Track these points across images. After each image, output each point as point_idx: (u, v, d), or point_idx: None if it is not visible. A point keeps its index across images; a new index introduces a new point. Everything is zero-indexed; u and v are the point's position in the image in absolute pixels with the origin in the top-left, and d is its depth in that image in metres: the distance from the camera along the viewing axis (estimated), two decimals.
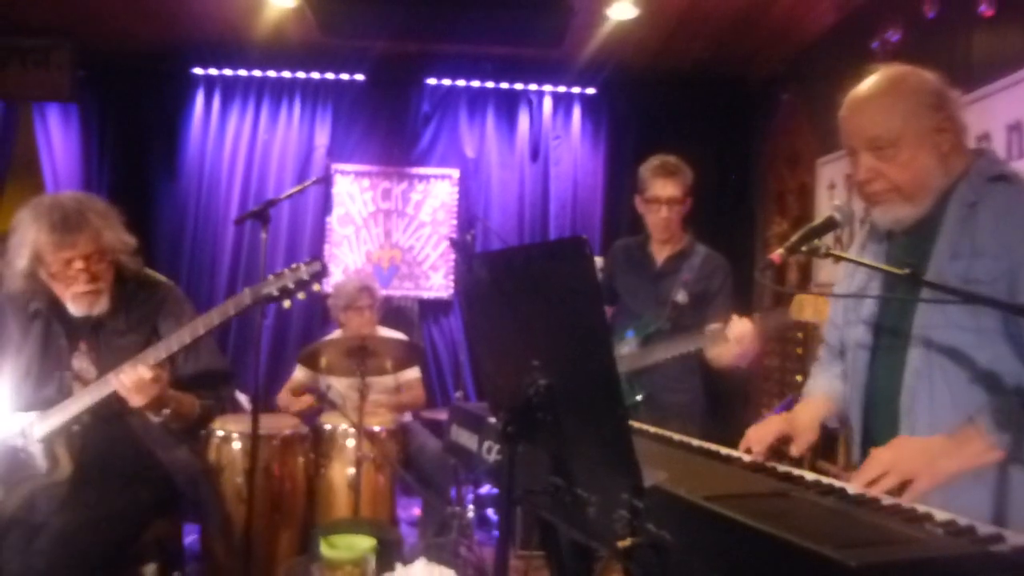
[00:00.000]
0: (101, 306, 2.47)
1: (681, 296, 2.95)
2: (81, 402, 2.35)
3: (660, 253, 3.07)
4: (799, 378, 4.61)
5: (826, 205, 4.29)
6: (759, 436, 1.72)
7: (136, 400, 2.29)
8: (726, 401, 3.41)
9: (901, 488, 1.40)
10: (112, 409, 2.40)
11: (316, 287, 2.39)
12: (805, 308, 2.63)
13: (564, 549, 2.03)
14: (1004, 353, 1.52)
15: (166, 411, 2.40)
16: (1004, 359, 1.52)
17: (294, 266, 2.34)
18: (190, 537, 3.50)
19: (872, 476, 1.42)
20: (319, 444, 3.61)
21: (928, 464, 1.42)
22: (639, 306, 2.99)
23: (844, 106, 1.69)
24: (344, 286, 4.21)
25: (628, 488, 1.27)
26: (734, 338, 2.60)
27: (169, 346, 2.34)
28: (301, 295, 2.36)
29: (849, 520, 1.15)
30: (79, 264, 2.38)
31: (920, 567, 0.95)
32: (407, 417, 4.20)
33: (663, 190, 2.97)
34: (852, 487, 1.38)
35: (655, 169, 3.01)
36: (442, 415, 4.33)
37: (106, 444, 2.42)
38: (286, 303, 2.36)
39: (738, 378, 3.15)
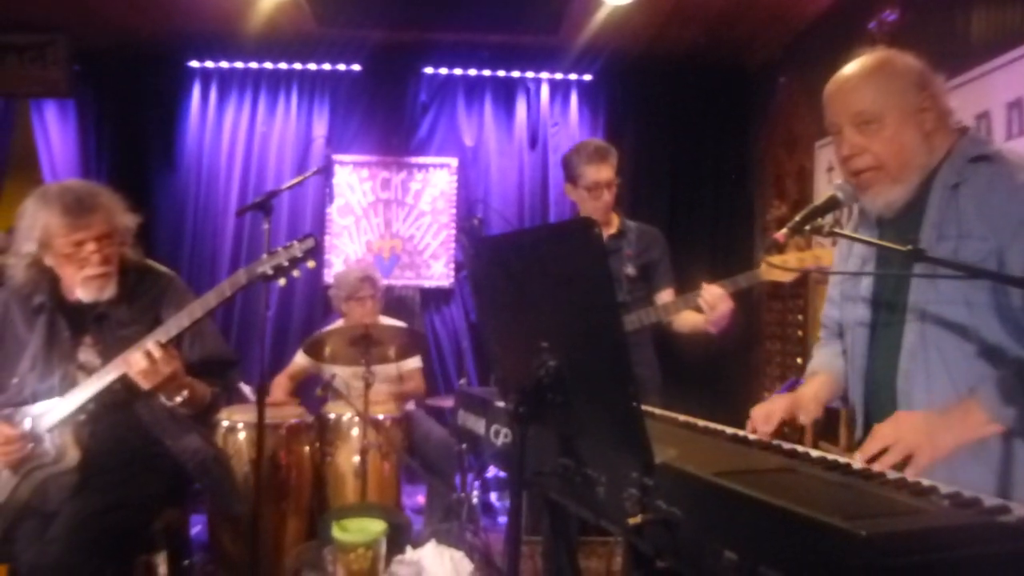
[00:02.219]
0: (109, 291, 2.46)
1: (631, 269, 3.06)
2: (87, 390, 2.36)
3: None
4: (799, 360, 4.63)
5: (825, 188, 4.30)
6: (765, 415, 1.74)
7: (147, 381, 2.27)
8: (680, 372, 3.49)
9: (903, 464, 1.42)
10: (118, 397, 2.41)
11: (310, 263, 2.39)
12: (773, 271, 2.70)
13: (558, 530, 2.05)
14: (996, 328, 1.54)
15: (183, 395, 2.38)
16: (996, 334, 1.54)
17: (288, 244, 2.36)
18: (196, 528, 3.52)
19: (874, 452, 1.44)
20: (324, 433, 3.64)
21: (929, 438, 1.44)
22: None
23: (828, 85, 1.72)
24: (346, 276, 4.22)
25: (638, 466, 1.29)
26: (707, 304, 2.71)
27: (167, 330, 2.33)
28: (296, 272, 2.37)
29: (856, 493, 1.17)
30: (91, 246, 2.38)
31: (928, 537, 0.97)
32: (410, 405, 4.22)
33: (600, 174, 3.01)
34: (856, 463, 1.40)
35: (589, 156, 3.03)
36: (445, 402, 4.36)
37: (113, 433, 2.42)
38: (281, 281, 2.37)
39: (704, 346, 3.23)
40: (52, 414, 2.37)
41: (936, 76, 1.67)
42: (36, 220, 2.37)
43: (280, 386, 4.15)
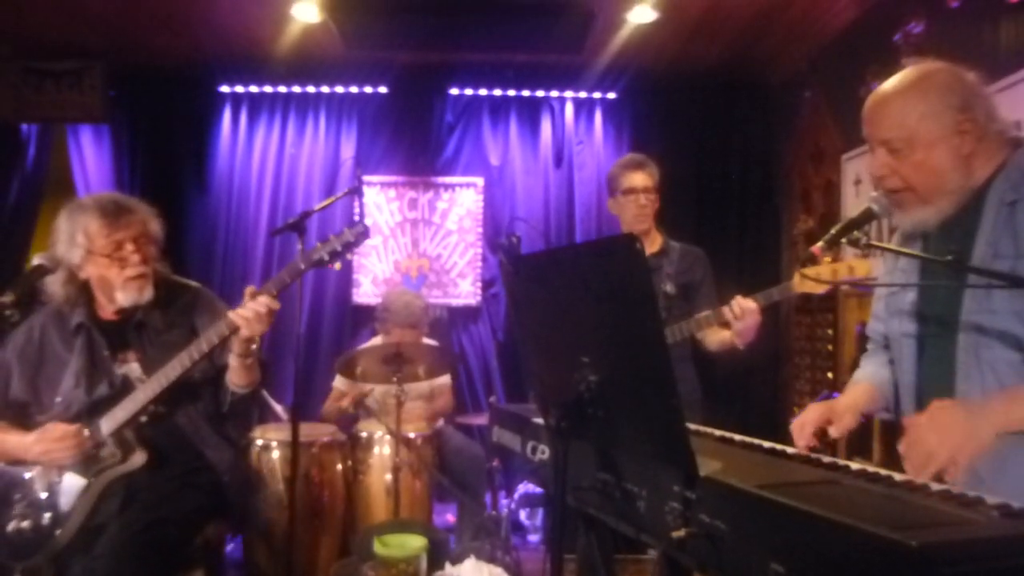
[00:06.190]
0: (148, 293, 2.55)
1: (670, 288, 3.10)
2: (144, 393, 2.43)
3: None
4: (830, 375, 4.59)
5: (852, 201, 4.28)
6: (798, 427, 1.73)
7: (261, 325, 2.40)
8: (720, 388, 3.48)
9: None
10: (158, 413, 2.48)
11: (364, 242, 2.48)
12: (807, 282, 2.69)
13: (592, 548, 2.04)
14: None
15: (252, 349, 2.49)
16: None
17: (339, 232, 2.46)
18: (229, 545, 3.55)
19: (917, 463, 1.42)
20: (356, 451, 3.66)
21: (969, 431, 1.41)
22: None
23: (868, 100, 1.70)
24: (407, 306, 4.11)
25: (680, 480, 1.29)
26: (736, 315, 2.76)
27: (268, 289, 2.47)
28: (349, 255, 2.48)
29: (903, 504, 1.16)
30: (130, 246, 2.49)
31: (980, 547, 0.96)
32: (440, 423, 4.23)
33: (637, 180, 3.16)
34: (899, 475, 1.39)
35: (624, 164, 3.24)
36: (474, 420, 4.37)
37: (156, 446, 2.48)
38: (337, 265, 2.48)
39: (733, 362, 3.23)
40: (111, 420, 2.43)
41: (983, 92, 1.63)
42: (76, 226, 2.47)
43: (332, 411, 4.15)
